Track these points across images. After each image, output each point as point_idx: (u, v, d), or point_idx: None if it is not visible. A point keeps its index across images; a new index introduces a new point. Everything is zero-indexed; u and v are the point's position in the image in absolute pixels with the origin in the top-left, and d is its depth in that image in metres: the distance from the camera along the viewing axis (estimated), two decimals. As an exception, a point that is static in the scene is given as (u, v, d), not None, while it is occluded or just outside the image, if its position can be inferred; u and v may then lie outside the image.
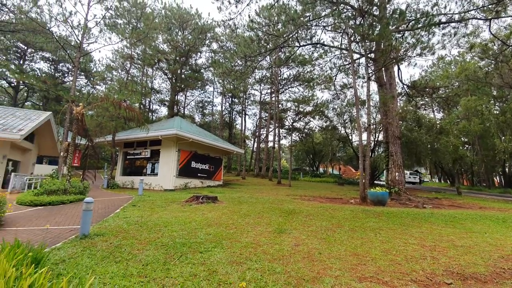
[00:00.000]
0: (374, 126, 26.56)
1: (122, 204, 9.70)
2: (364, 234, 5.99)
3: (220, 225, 6.54)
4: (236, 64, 20.79)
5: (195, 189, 18.05)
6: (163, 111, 48.03)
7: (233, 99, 46.38)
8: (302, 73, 32.08)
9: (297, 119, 40.16)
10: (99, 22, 20.10)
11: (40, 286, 2.42)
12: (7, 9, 23.80)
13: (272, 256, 4.38)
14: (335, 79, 26.24)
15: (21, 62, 35.39)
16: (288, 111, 40.31)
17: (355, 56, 18.85)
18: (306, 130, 42.43)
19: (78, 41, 18.84)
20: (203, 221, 6.93)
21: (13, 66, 31.07)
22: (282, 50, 22.82)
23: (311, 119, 39.79)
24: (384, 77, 19.07)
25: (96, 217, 7.35)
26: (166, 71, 36.69)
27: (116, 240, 5.04)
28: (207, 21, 33.35)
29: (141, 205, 9.49)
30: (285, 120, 41.35)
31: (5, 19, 25.69)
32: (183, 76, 35.86)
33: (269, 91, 39.24)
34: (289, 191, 17.87)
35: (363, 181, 12.47)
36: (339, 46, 20.48)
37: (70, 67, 37.94)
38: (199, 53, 38.10)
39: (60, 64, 38.37)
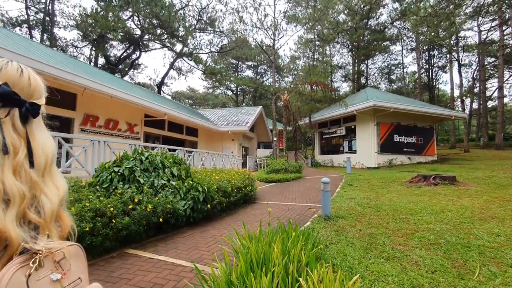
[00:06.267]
0: None
1: (337, 183, 9.52)
2: None
3: (500, 220, 4.35)
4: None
5: (403, 167, 15.37)
6: (344, 87, 46.54)
7: (431, 52, 36.35)
8: None
9: None
10: (284, 16, 21.87)
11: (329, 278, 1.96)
12: (224, 35, 31.89)
13: None
14: None
15: (236, 74, 47.03)
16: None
17: None
18: None
19: (272, 39, 21.36)
20: (463, 211, 5.01)
21: (232, 78, 41.90)
22: None
23: None
24: None
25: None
26: (346, 43, 34.73)
27: (362, 226, 4.43)
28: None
29: (357, 184, 8.83)
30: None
31: (224, 44, 34.68)
32: (365, 42, 32.36)
33: (495, 23, 26.72)
34: None
35: None
36: None
37: (265, 67, 45.57)
38: (380, 9, 32.74)
39: (259, 68, 47.11)
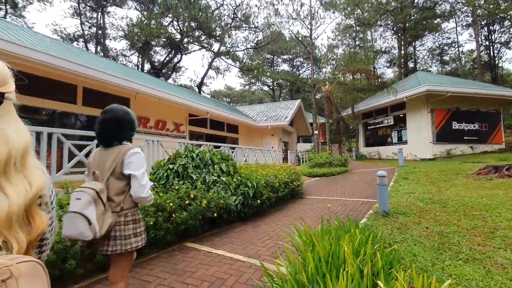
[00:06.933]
0: None
1: (390, 176, 8.85)
2: None
3: None
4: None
5: (464, 157, 13.74)
6: (389, 73, 43.13)
7: (490, 27, 31.67)
8: None
9: None
10: (321, 3, 20.94)
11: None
12: (259, 30, 31.81)
13: None
14: None
15: (272, 69, 46.68)
16: None
17: None
18: None
19: (308, 29, 20.66)
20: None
21: (268, 73, 41.68)
22: None
23: None
24: None
25: (373, 190, 6.96)
26: (390, 25, 32.06)
27: (429, 223, 4.00)
28: None
29: (414, 177, 8.11)
30: None
31: (259, 39, 34.62)
32: (412, 21, 29.49)
33: None
34: None
35: None
36: None
37: (302, 60, 44.40)
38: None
39: (295, 61, 46.08)
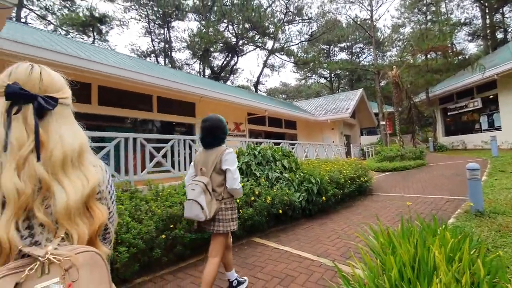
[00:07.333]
0: None
1: (481, 169, 7.47)
2: None
3: None
4: None
5: None
6: (471, 48, 36.33)
7: None
8: None
9: None
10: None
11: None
12: (313, 21, 30.68)
13: None
14: None
15: (328, 59, 44.46)
16: None
17: None
18: None
19: (368, 11, 18.96)
20: None
21: (325, 65, 39.83)
22: None
23: None
24: None
25: (459, 185, 5.98)
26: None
27: (545, 227, 3.21)
28: None
29: (515, 170, 6.65)
30: None
31: (314, 30, 33.40)
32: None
33: None
34: None
35: None
36: None
37: (361, 45, 41.05)
38: None
39: (353, 48, 42.88)
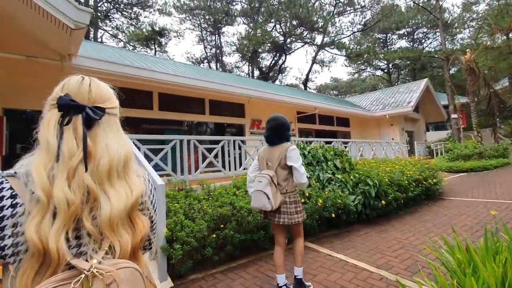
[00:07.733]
0: None
1: None
2: None
3: None
4: None
5: None
6: None
7: None
8: None
9: None
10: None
11: None
12: (367, 9, 28.55)
13: None
14: None
15: (385, 49, 40.77)
16: None
17: None
18: None
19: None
20: None
21: (381, 55, 36.64)
22: None
23: None
24: None
25: None
26: None
27: None
28: None
29: None
30: None
31: (367, 19, 31.12)
32: None
33: None
34: None
35: None
36: None
37: (425, 30, 36.57)
38: None
39: (415, 33, 38.45)
